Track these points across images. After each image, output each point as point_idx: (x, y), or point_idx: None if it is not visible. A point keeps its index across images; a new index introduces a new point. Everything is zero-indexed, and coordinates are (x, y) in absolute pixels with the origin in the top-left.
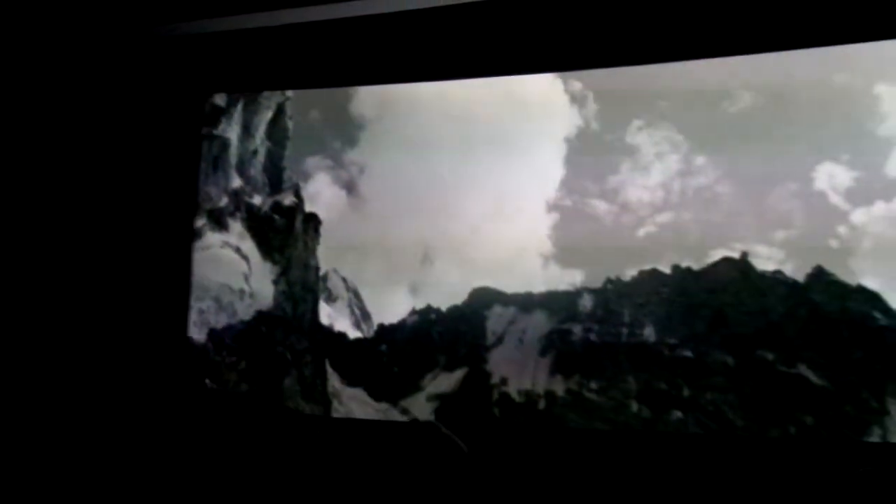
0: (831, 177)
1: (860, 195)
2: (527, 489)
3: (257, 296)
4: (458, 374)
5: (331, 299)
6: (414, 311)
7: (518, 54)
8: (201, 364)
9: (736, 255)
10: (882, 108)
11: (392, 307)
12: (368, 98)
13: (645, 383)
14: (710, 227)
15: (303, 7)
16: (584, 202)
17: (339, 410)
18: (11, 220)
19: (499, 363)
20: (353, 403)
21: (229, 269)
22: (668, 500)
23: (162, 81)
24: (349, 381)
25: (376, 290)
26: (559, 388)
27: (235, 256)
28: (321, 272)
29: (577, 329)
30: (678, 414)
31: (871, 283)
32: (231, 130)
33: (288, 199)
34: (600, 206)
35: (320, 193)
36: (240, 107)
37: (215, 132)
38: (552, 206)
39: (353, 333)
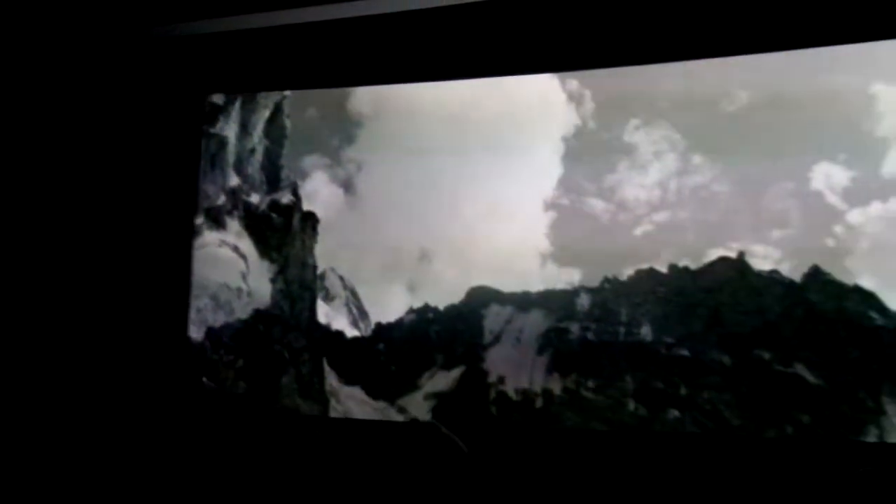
0: (828, 177)
1: (857, 195)
2: (524, 488)
3: (255, 294)
4: (456, 372)
5: (328, 298)
6: (411, 310)
7: (515, 55)
8: (199, 362)
9: (733, 254)
10: (879, 108)
11: (389, 306)
12: (366, 97)
13: (642, 382)
14: (708, 227)
15: (300, 8)
16: (581, 201)
17: (336, 409)
18: (11, 220)
19: (496, 362)
20: (351, 402)
21: (227, 267)
22: (664, 499)
23: (161, 82)
24: (347, 379)
25: (374, 289)
26: (556, 386)
27: (233, 255)
28: (319, 271)
29: (574, 328)
30: (675, 413)
31: (867, 283)
32: (229, 129)
33: (285, 198)
34: (598, 206)
35: (318, 192)
36: (237, 105)
37: (213, 130)
38: (549, 205)
39: (351, 332)
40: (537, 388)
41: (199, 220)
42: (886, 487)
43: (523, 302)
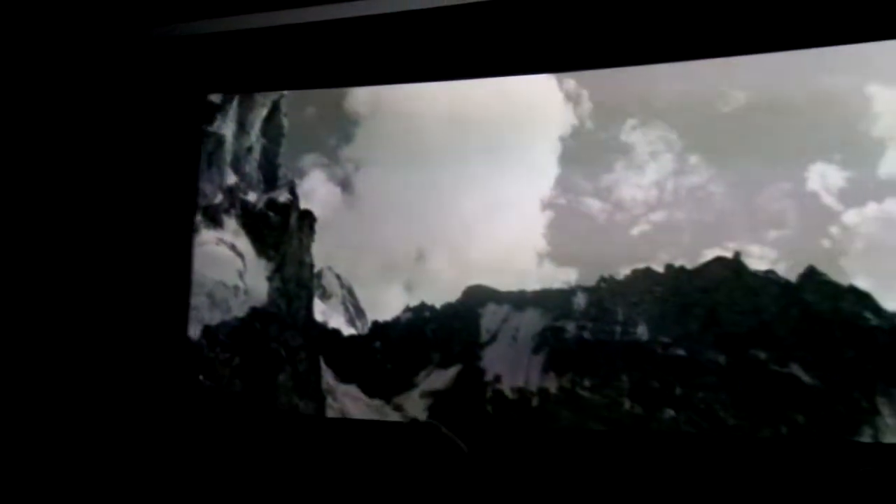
0: (824, 177)
1: (852, 196)
2: (520, 487)
3: (252, 292)
4: (452, 371)
5: (325, 296)
6: (408, 309)
7: (513, 55)
8: (195, 360)
9: (729, 254)
10: (874, 108)
11: (386, 304)
12: (364, 96)
13: (638, 381)
14: (704, 227)
15: (300, 8)
16: (578, 201)
17: (332, 407)
18: (12, 218)
19: (492, 361)
20: (347, 400)
21: (224, 265)
22: (660, 499)
23: (161, 82)
24: (343, 377)
25: (371, 287)
26: (552, 385)
27: (230, 253)
28: (315, 269)
29: (570, 327)
30: (670, 412)
31: (862, 284)
32: (226, 127)
33: (283, 196)
34: (594, 205)
35: (315, 191)
36: (235, 104)
37: (210, 129)
38: (546, 205)
39: (348, 330)
40: (533, 386)
41: (197, 218)
42: (886, 487)
43: (520, 301)
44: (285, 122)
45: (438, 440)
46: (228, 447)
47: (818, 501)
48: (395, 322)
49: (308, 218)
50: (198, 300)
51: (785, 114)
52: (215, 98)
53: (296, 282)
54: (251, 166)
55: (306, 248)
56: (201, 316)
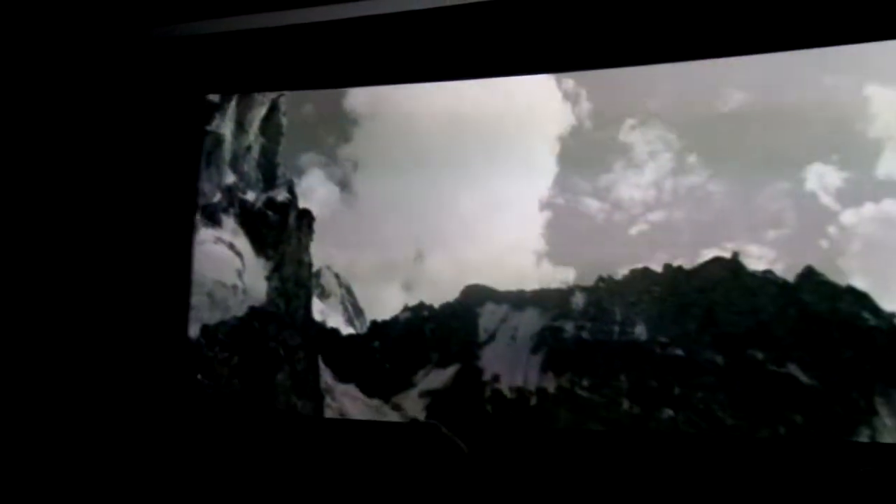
0: (821, 177)
1: (850, 196)
2: (518, 487)
3: (250, 292)
4: (451, 370)
5: (324, 295)
6: (406, 308)
7: (511, 56)
8: (194, 360)
9: (727, 254)
10: (872, 109)
11: (385, 304)
12: (362, 95)
13: (636, 381)
14: (702, 227)
15: (300, 9)
16: (576, 200)
17: (331, 406)
18: (13, 217)
19: (491, 360)
20: (346, 399)
21: (222, 264)
22: (657, 499)
23: (161, 82)
24: (342, 377)
25: (369, 287)
26: (551, 385)
27: (229, 252)
28: (314, 268)
29: (569, 327)
30: (669, 412)
31: (860, 284)
32: (225, 126)
33: (281, 196)
34: (593, 205)
35: (314, 190)
36: (234, 103)
37: (209, 128)
38: (545, 204)
39: (346, 330)
40: (532, 386)
41: (196, 217)
42: (886, 487)
43: (518, 300)
44: (284, 121)
45: (439, 440)
46: (227, 447)
47: (816, 501)
48: (394, 321)
49: (307, 217)
50: (196, 299)
51: (783, 114)
52: (214, 97)
53: (294, 281)
54: (250, 165)
55: (305, 248)
56: (200, 315)
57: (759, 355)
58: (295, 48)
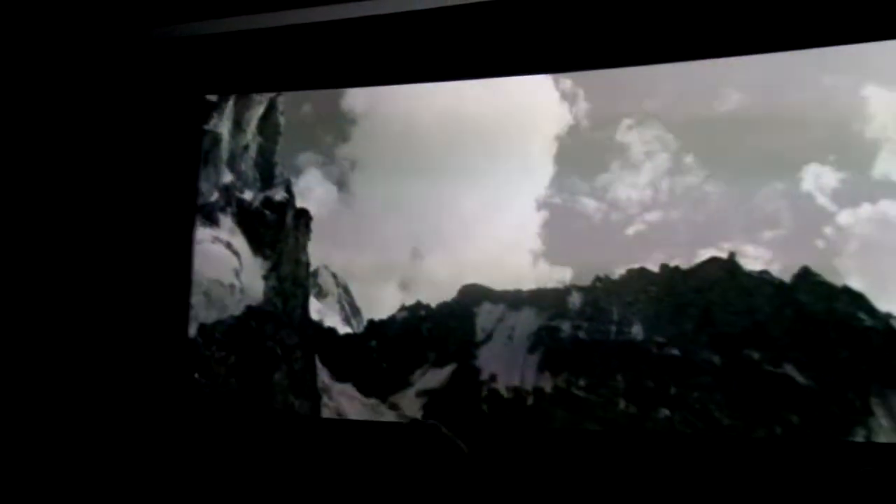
0: (818, 178)
1: (846, 196)
2: (515, 486)
3: (247, 291)
4: (448, 370)
5: (321, 295)
6: (404, 307)
7: (509, 57)
8: (191, 359)
9: (724, 254)
10: (869, 109)
11: (382, 303)
12: (360, 95)
13: (633, 381)
14: (699, 227)
15: (299, 9)
16: (573, 200)
17: (328, 406)
18: (13, 217)
19: (488, 360)
20: (343, 399)
21: (220, 264)
22: (654, 498)
23: (160, 82)
24: (339, 376)
25: (366, 286)
26: (547, 384)
27: (226, 252)
28: (312, 268)
29: (565, 326)
30: (665, 412)
31: (856, 284)
32: (222, 125)
33: (279, 195)
34: (590, 205)
35: (311, 189)
36: (231, 102)
37: (207, 127)
38: (542, 204)
39: (343, 329)
40: (529, 386)
41: (195, 217)
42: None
43: (515, 300)
44: (282, 120)
45: (439, 440)
46: (224, 446)
47: (813, 501)
48: (391, 321)
49: (304, 216)
50: (194, 299)
51: (779, 114)
52: (212, 96)
53: (292, 280)
54: (247, 164)
55: (302, 247)
56: (197, 314)
57: (756, 355)
58: (294, 49)
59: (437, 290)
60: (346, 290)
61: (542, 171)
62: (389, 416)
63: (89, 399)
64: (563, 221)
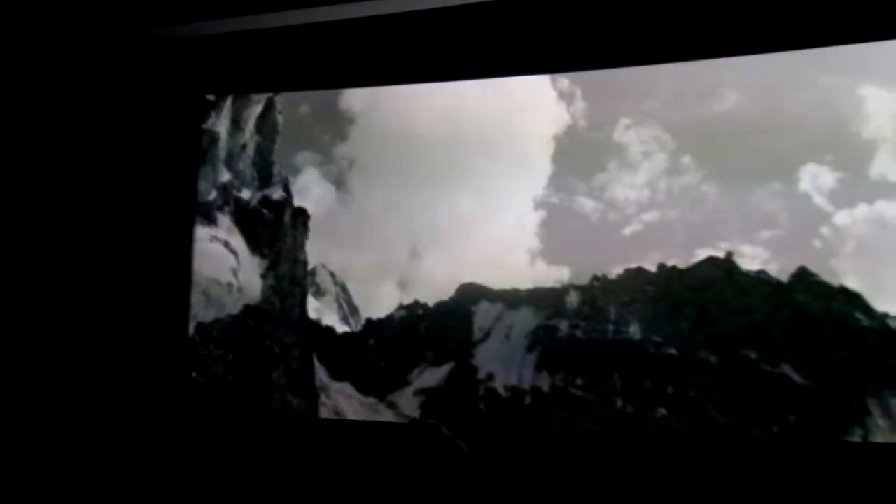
0: (815, 178)
1: (843, 197)
2: (512, 485)
3: (245, 290)
4: (445, 369)
5: (319, 294)
6: (401, 306)
7: (506, 57)
8: (189, 357)
9: (721, 254)
10: (866, 109)
11: (380, 302)
12: (358, 94)
13: (630, 380)
14: (696, 226)
15: (297, 10)
16: (571, 200)
17: (326, 404)
18: (13, 217)
19: (485, 359)
20: (341, 397)
21: (217, 262)
22: (651, 497)
23: (158, 83)
24: (336, 375)
25: (364, 285)
26: (545, 384)
27: (224, 250)
28: (309, 266)
29: (563, 326)
30: (662, 411)
31: (853, 284)
32: (220, 124)
33: (277, 194)
34: (587, 204)
35: (309, 188)
36: (229, 101)
37: (204, 126)
38: (539, 203)
39: (341, 328)
40: (526, 385)
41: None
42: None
43: (513, 299)
44: (280, 119)
45: (439, 440)
46: (222, 444)
47: (809, 501)
48: (389, 320)
49: (302, 215)
50: (192, 297)
51: (777, 115)
52: (209, 95)
53: (290, 279)
54: (245, 163)
55: (300, 246)
56: (195, 313)
57: (753, 355)
58: (293, 49)
59: (435, 289)
60: (344, 289)
61: (539, 170)
62: (387, 415)
63: (89, 397)
64: (560, 221)
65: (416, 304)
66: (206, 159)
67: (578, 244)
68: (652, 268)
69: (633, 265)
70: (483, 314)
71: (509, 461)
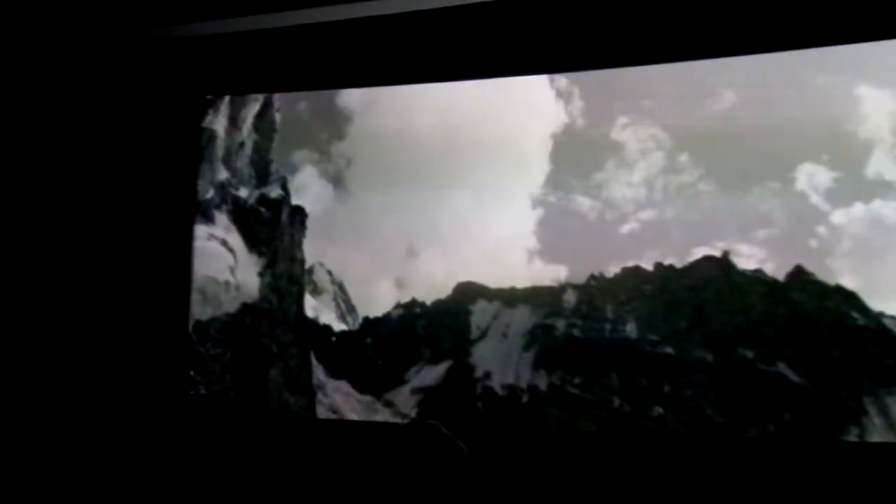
0: (812, 177)
1: (840, 196)
2: (510, 484)
3: (243, 288)
4: (442, 367)
5: (316, 292)
6: (399, 305)
7: (504, 57)
8: (186, 355)
9: (717, 253)
10: (862, 109)
11: (377, 300)
12: (356, 93)
13: (627, 379)
14: (693, 225)
15: (296, 10)
16: (568, 198)
17: (323, 403)
18: (13, 216)
19: (483, 357)
20: (338, 396)
21: (215, 261)
22: (647, 496)
23: (157, 83)
24: (334, 373)
25: (362, 284)
26: (542, 382)
27: (221, 248)
28: (307, 265)
29: (560, 324)
30: (659, 410)
31: (849, 283)
32: (218, 123)
33: (274, 192)
34: (585, 203)
35: (307, 186)
36: (227, 99)
37: (202, 124)
38: (537, 202)
39: (339, 326)
40: (523, 383)
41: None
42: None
43: (510, 298)
44: (277, 117)
45: (439, 441)
46: (219, 443)
47: (806, 500)
48: (386, 318)
49: (300, 214)
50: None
51: (774, 114)
52: (208, 95)
53: (287, 277)
54: (243, 162)
55: (298, 244)
56: (192, 311)
57: (749, 354)
58: (292, 49)
59: (433, 287)
60: (342, 288)
61: (537, 169)
62: (384, 414)
63: (87, 395)
64: (557, 219)
65: (413, 302)
66: (204, 157)
67: (576, 243)
68: (649, 267)
69: (630, 264)
70: (480, 313)
71: (506, 459)
